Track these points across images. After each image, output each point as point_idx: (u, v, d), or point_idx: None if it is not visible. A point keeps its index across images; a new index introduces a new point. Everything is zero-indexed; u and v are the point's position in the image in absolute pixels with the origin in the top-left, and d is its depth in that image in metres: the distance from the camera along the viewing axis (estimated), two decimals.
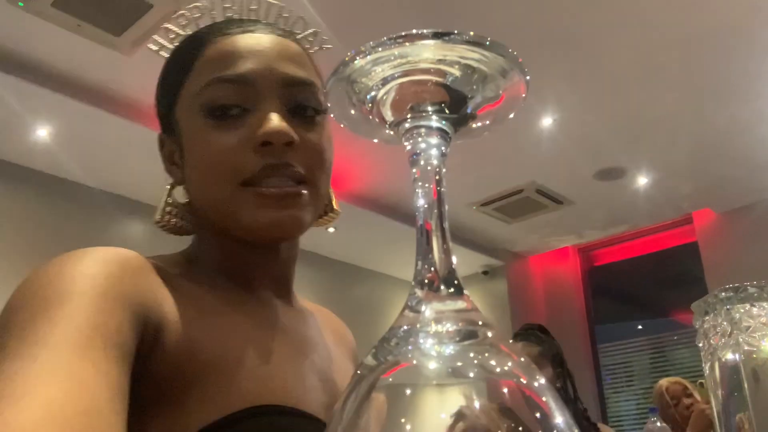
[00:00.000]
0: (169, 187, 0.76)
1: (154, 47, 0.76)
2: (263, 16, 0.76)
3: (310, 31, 0.79)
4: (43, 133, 3.59)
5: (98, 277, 0.56)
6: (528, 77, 0.36)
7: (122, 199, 4.24)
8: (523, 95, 0.38)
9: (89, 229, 4.11)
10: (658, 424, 2.34)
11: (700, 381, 2.81)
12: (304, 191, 0.69)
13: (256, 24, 0.74)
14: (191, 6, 0.75)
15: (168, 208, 0.75)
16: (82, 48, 3.05)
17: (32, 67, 3.16)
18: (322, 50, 0.79)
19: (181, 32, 0.76)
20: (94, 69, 3.23)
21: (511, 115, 0.39)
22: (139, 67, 3.15)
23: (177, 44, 0.76)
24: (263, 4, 0.76)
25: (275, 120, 0.66)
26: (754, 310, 0.56)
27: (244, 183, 0.67)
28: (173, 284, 0.65)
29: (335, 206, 0.81)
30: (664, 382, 3.20)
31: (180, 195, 0.76)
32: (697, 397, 2.78)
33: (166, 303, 0.61)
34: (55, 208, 4.00)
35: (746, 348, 0.57)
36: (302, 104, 0.70)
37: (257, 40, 0.71)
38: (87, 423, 0.44)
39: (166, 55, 0.76)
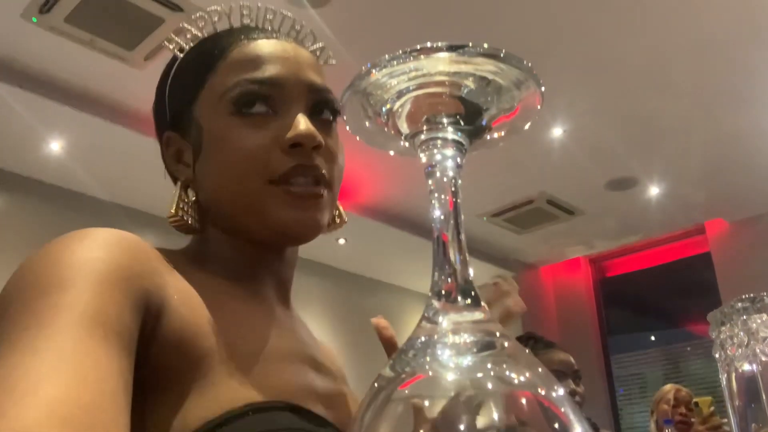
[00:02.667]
0: (179, 184, 0.76)
1: (170, 45, 0.77)
2: (277, 27, 0.78)
3: (318, 45, 0.81)
4: (55, 146, 3.62)
5: (99, 261, 0.55)
6: (543, 88, 0.37)
7: (135, 212, 4.26)
8: (538, 106, 0.38)
9: None
10: None
11: (695, 400, 2.78)
12: (325, 193, 0.71)
13: (275, 32, 0.76)
14: (210, 9, 0.76)
15: (181, 205, 0.75)
16: (94, 62, 3.08)
17: (45, 81, 3.19)
18: (326, 65, 0.81)
19: (198, 34, 0.77)
20: (107, 83, 3.26)
21: (527, 126, 0.39)
22: (151, 80, 3.16)
23: (195, 44, 0.77)
24: (278, 16, 0.78)
25: (306, 123, 0.69)
26: None
27: (271, 181, 0.69)
28: (176, 270, 0.65)
29: (344, 216, 0.82)
30: (672, 387, 3.14)
31: (190, 194, 0.76)
32: (696, 420, 2.74)
33: (168, 287, 0.61)
34: (68, 221, 4.02)
35: (763, 359, 0.56)
36: (324, 110, 0.73)
37: (282, 47, 0.73)
38: (90, 420, 0.43)
39: (180, 54, 0.77)
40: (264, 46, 0.73)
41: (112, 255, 0.57)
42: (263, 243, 0.73)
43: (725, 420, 2.60)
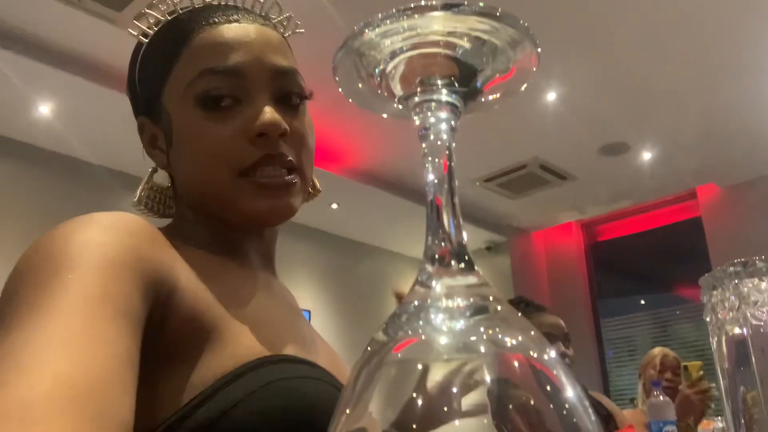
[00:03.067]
0: (150, 170, 0.78)
1: (134, 32, 0.77)
2: (240, 1, 0.77)
3: (285, 15, 0.80)
4: (45, 109, 3.58)
5: (107, 243, 0.56)
6: (539, 49, 0.36)
7: (124, 176, 4.23)
8: (534, 68, 0.37)
9: (91, 205, 4.09)
10: (661, 398, 2.35)
11: (684, 364, 2.81)
12: (296, 180, 0.72)
13: (238, 12, 0.75)
14: None
15: (148, 192, 0.78)
16: (83, 24, 3.03)
17: (33, 43, 3.14)
18: (294, 35, 0.81)
19: (161, 18, 0.76)
20: (95, 45, 3.21)
21: (522, 88, 0.39)
22: None
23: (158, 29, 0.76)
24: None
25: (269, 112, 0.70)
26: (763, 284, 0.56)
27: (240, 173, 0.70)
28: (177, 248, 0.66)
29: (318, 186, 0.84)
30: (660, 351, 3.18)
31: (161, 179, 0.79)
32: (682, 379, 2.78)
33: (176, 266, 0.63)
34: (58, 184, 4.00)
35: (754, 322, 0.57)
36: (289, 93, 0.73)
37: (245, 31, 0.73)
38: (96, 395, 0.44)
39: (145, 39, 0.77)
40: (225, 31, 0.72)
41: (120, 237, 0.58)
42: (239, 227, 0.75)
43: (713, 384, 2.63)
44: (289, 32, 0.81)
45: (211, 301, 0.63)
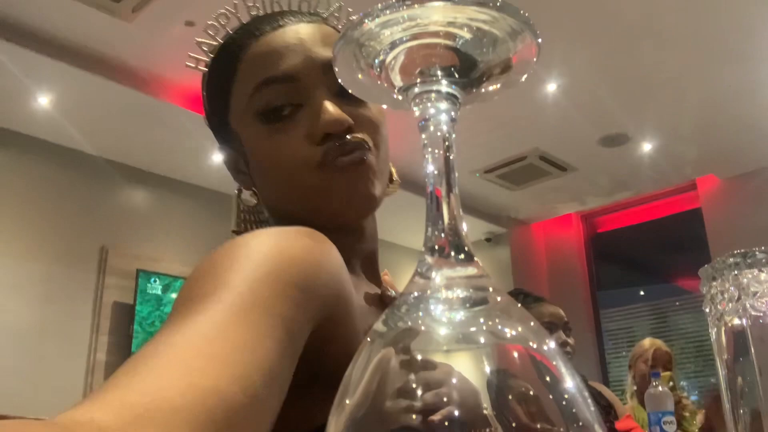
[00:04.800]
0: (236, 192, 0.78)
1: (192, 64, 0.77)
2: (286, 5, 0.77)
3: (335, 7, 0.80)
4: (44, 100, 3.57)
5: (288, 254, 0.54)
6: (539, 40, 0.36)
7: (123, 167, 4.23)
8: (534, 58, 0.37)
9: (92, 197, 4.12)
10: (660, 388, 2.36)
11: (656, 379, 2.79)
12: (370, 157, 0.70)
13: (284, 17, 0.74)
14: (217, 15, 0.76)
15: (242, 215, 0.78)
16: (81, 14, 3.02)
17: (32, 34, 3.13)
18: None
19: (214, 43, 0.77)
20: (94, 36, 3.20)
21: (522, 79, 0.38)
22: (139, 33, 3.13)
23: (213, 56, 0.77)
24: None
25: (330, 110, 0.68)
26: (762, 275, 0.56)
27: (319, 166, 0.69)
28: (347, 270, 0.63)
29: (395, 177, 0.82)
30: (651, 344, 3.14)
31: (248, 198, 0.78)
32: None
33: (343, 293, 0.59)
34: (57, 175, 4.00)
35: (753, 313, 0.57)
36: None
37: (292, 33, 0.72)
38: (235, 413, 0.40)
39: (205, 69, 0.77)
40: (272, 39, 0.71)
41: (303, 252, 0.55)
42: (336, 228, 0.70)
43: (684, 393, 2.65)
44: (344, 22, 0.79)
45: (355, 337, 0.60)
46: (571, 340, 2.52)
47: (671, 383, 2.67)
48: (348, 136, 0.69)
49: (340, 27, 0.78)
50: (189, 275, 0.53)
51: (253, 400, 0.42)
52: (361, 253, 0.76)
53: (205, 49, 0.77)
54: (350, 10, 0.80)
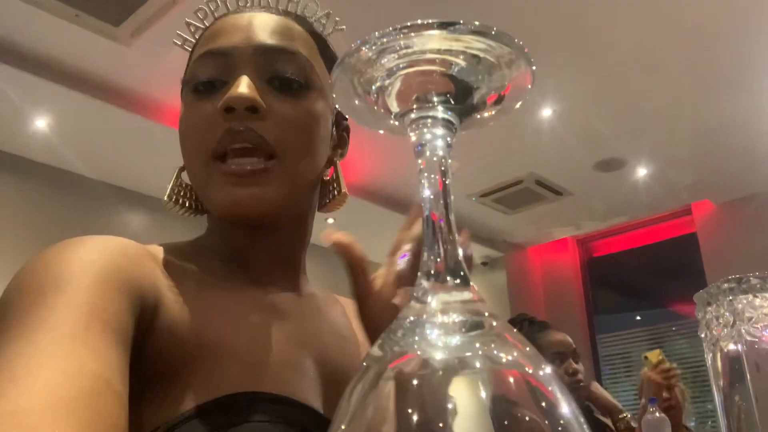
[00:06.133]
0: (179, 168, 0.76)
1: (178, 42, 0.78)
2: (273, 2, 0.76)
3: (323, 13, 0.78)
4: (41, 123, 3.58)
5: (96, 262, 0.56)
6: (534, 67, 0.36)
7: (121, 191, 4.23)
8: (529, 85, 0.38)
9: (88, 220, 4.11)
10: (657, 414, 2.34)
11: (644, 354, 2.76)
12: (268, 167, 0.66)
13: (254, 7, 0.74)
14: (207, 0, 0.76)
15: (176, 189, 0.75)
16: (80, 38, 3.04)
17: (30, 57, 3.15)
18: (336, 32, 0.79)
19: (200, 25, 0.77)
20: (93, 59, 3.22)
21: (517, 106, 0.39)
22: (137, 57, 3.14)
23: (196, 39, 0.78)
24: None
25: (241, 86, 0.65)
26: (757, 300, 0.57)
27: (214, 156, 0.66)
28: (170, 269, 0.65)
29: (343, 188, 0.78)
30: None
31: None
32: (646, 371, 2.75)
33: (162, 287, 0.62)
34: (55, 199, 3.99)
35: (748, 338, 0.57)
36: (283, 75, 0.68)
37: (245, 18, 0.71)
38: (90, 403, 0.44)
39: (188, 49, 0.77)
40: (227, 20, 0.72)
41: (110, 258, 0.57)
42: (247, 226, 0.71)
43: (675, 365, 2.65)
44: (330, 30, 0.78)
45: (197, 326, 0.61)
46: (580, 368, 2.48)
47: (661, 357, 2.65)
48: (249, 125, 0.65)
49: (326, 34, 0.78)
50: (14, 285, 0.54)
51: (97, 387, 0.45)
52: (273, 256, 0.73)
53: (192, 30, 0.77)
54: (338, 19, 0.79)
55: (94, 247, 0.58)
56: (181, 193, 0.75)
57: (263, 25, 0.70)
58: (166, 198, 0.74)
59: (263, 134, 0.66)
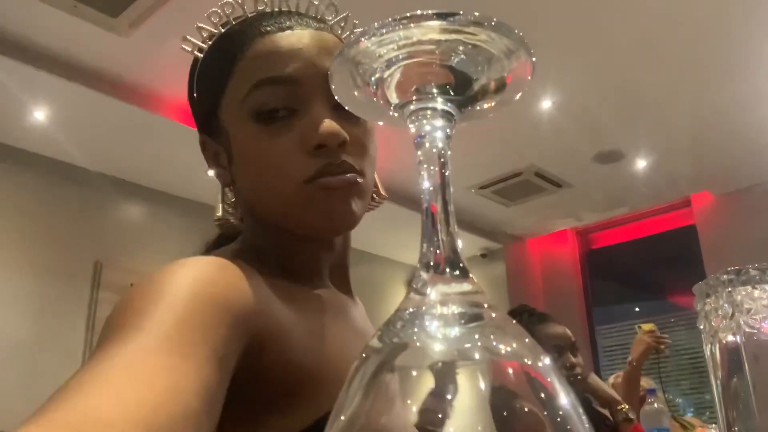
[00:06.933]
0: (221, 186, 0.77)
1: (188, 47, 0.75)
2: (294, 6, 0.76)
3: (342, 15, 0.78)
4: (40, 115, 3.57)
5: (198, 280, 0.56)
6: (534, 59, 0.36)
7: (120, 182, 4.23)
8: (529, 77, 0.38)
9: (87, 212, 4.11)
10: (656, 405, 2.35)
11: (638, 325, 2.89)
12: (360, 180, 0.70)
13: (291, 18, 0.73)
14: (223, 2, 0.74)
15: (225, 207, 0.77)
16: (78, 29, 3.03)
17: (28, 48, 3.14)
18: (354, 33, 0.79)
19: (214, 30, 0.75)
20: (91, 51, 3.21)
21: (517, 97, 0.39)
22: (136, 48, 3.14)
23: (212, 43, 0.75)
24: None
25: (327, 123, 0.67)
26: (756, 292, 0.57)
27: (305, 181, 0.68)
28: (267, 287, 0.65)
29: (382, 192, 0.82)
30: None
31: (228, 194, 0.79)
32: (639, 335, 2.83)
33: (269, 308, 0.62)
34: (53, 191, 3.99)
35: (747, 330, 0.57)
36: None
37: (298, 38, 0.71)
38: (174, 426, 0.43)
39: (200, 54, 0.76)
40: (278, 40, 0.70)
41: (215, 278, 0.57)
42: (308, 238, 0.73)
43: (666, 336, 2.81)
44: (348, 32, 0.78)
45: (303, 347, 0.63)
46: (579, 360, 2.48)
47: (654, 328, 2.76)
48: (342, 157, 0.68)
49: (344, 37, 0.77)
50: (119, 303, 0.55)
51: (185, 414, 0.44)
52: (330, 263, 0.77)
53: (204, 34, 0.75)
54: (356, 22, 0.79)
55: (201, 267, 0.59)
56: (229, 210, 0.78)
57: (320, 48, 0.71)
58: (218, 214, 0.76)
59: (352, 162, 0.70)
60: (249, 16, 0.75)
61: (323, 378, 0.62)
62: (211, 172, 0.79)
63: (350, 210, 0.69)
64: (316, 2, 0.76)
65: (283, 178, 0.68)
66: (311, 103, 0.69)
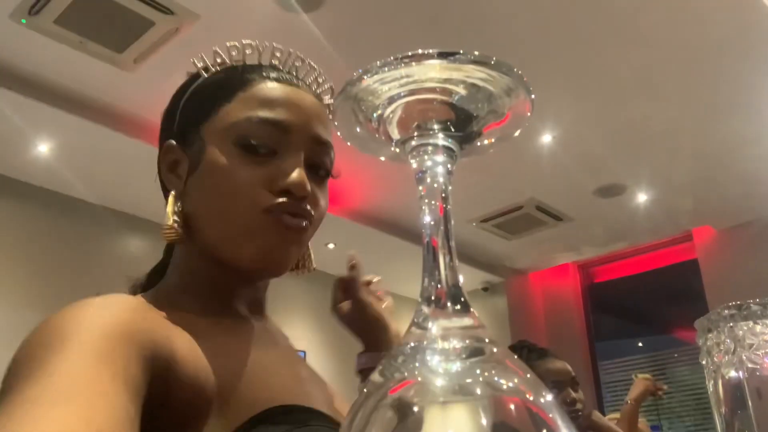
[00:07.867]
0: (172, 195, 0.77)
1: (199, 63, 0.80)
2: (302, 75, 0.81)
3: (326, 87, 0.83)
4: (44, 148, 3.60)
5: (103, 319, 0.59)
6: (533, 96, 0.37)
7: (122, 215, 4.24)
8: (528, 113, 0.38)
9: (89, 244, 4.11)
10: None
11: (635, 373, 3.08)
12: (308, 231, 0.75)
13: (297, 80, 0.79)
14: (246, 42, 0.80)
15: (175, 217, 0.76)
16: (84, 64, 3.07)
17: (34, 82, 3.18)
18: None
19: (227, 60, 0.80)
20: (96, 85, 3.24)
21: (517, 133, 0.39)
22: (140, 83, 3.17)
23: (220, 68, 0.80)
24: (305, 65, 0.81)
25: (300, 173, 0.72)
26: (758, 327, 0.56)
27: (266, 211, 0.72)
28: (172, 318, 0.69)
29: (313, 264, 0.88)
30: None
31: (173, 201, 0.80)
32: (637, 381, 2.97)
33: (171, 336, 0.65)
34: (56, 223, 4.00)
35: (749, 366, 0.57)
36: (320, 166, 0.77)
37: (301, 96, 0.77)
38: None
39: (205, 73, 0.80)
40: (283, 89, 0.76)
41: (114, 314, 0.61)
42: (236, 271, 0.75)
43: (664, 385, 2.99)
44: (329, 98, 0.83)
45: (210, 368, 0.65)
46: (580, 396, 2.46)
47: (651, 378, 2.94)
48: (302, 205, 0.73)
49: (325, 98, 0.83)
50: (24, 343, 0.58)
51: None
52: (250, 297, 0.81)
53: (218, 60, 0.80)
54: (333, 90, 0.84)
55: (100, 306, 0.62)
56: (179, 221, 0.77)
57: (317, 114, 0.77)
58: (169, 223, 0.75)
59: (311, 210, 0.75)
60: (262, 63, 0.80)
61: (243, 388, 0.66)
62: (156, 179, 0.81)
63: (288, 256, 0.74)
64: (320, 80, 0.82)
65: (243, 201, 0.72)
66: (291, 153, 0.73)
